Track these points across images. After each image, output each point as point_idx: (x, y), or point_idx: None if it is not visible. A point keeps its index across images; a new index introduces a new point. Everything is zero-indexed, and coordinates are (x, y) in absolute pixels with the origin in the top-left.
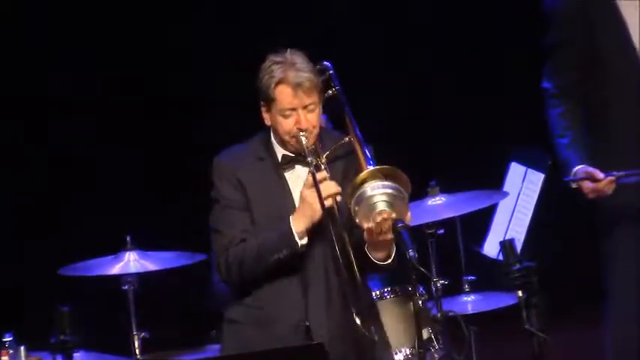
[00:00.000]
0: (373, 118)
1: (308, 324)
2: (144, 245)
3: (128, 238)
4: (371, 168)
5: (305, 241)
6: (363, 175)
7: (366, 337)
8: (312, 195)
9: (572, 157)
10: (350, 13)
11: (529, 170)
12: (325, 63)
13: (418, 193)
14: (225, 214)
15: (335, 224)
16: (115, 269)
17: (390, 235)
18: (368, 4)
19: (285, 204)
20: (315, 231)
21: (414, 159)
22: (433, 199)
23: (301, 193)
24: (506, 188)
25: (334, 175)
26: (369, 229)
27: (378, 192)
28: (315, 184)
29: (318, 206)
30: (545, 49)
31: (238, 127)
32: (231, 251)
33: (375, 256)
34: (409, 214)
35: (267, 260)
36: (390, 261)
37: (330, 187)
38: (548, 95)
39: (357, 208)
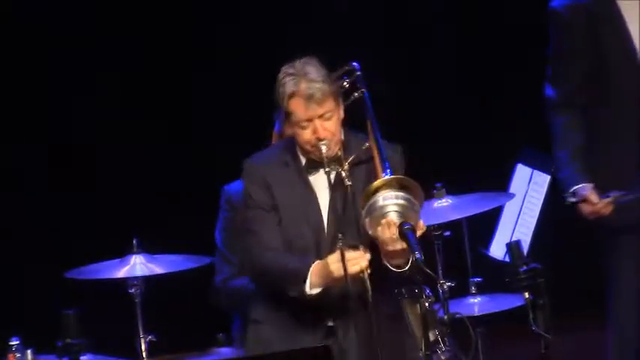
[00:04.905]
0: (377, 119)
1: (333, 324)
2: (150, 248)
3: (135, 242)
4: (385, 177)
5: (316, 291)
6: (376, 183)
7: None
8: (339, 269)
9: (570, 176)
10: (350, 13)
11: (535, 172)
12: (353, 64)
13: (424, 195)
14: (255, 214)
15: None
16: (122, 272)
17: (399, 245)
18: (368, 4)
19: (311, 208)
20: None
21: (419, 161)
22: (439, 201)
23: (329, 263)
24: (512, 190)
25: (357, 180)
26: (382, 240)
27: (389, 202)
28: (343, 261)
29: (342, 278)
30: (549, 57)
31: (244, 129)
32: (264, 257)
33: (392, 264)
34: (421, 223)
35: (285, 288)
36: (406, 268)
37: (356, 265)
38: (551, 104)
39: (368, 219)
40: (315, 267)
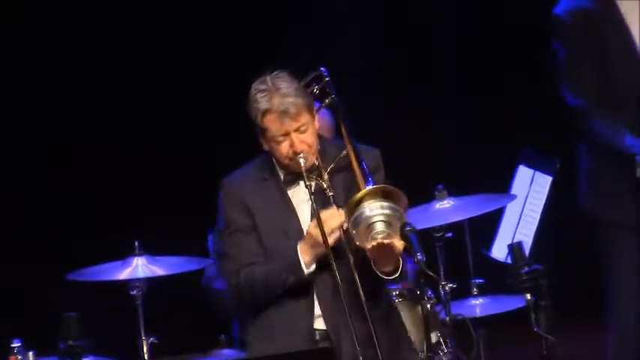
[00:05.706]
0: (378, 121)
1: (325, 329)
2: (152, 250)
3: (136, 244)
4: (368, 188)
5: (312, 268)
6: (360, 194)
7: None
8: (316, 230)
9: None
10: (350, 14)
11: (537, 173)
12: (321, 69)
13: (426, 197)
14: (234, 239)
15: (342, 254)
16: (124, 274)
17: (393, 253)
18: (368, 4)
19: (290, 222)
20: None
21: (421, 162)
22: (441, 203)
23: (308, 227)
24: (514, 191)
25: (337, 187)
26: (371, 250)
27: (375, 213)
28: (318, 221)
29: (321, 241)
30: (562, 64)
31: (244, 129)
32: (242, 274)
33: (382, 271)
34: None
35: (276, 288)
36: (397, 274)
37: (332, 222)
38: (590, 109)
39: (355, 231)
40: (300, 246)
